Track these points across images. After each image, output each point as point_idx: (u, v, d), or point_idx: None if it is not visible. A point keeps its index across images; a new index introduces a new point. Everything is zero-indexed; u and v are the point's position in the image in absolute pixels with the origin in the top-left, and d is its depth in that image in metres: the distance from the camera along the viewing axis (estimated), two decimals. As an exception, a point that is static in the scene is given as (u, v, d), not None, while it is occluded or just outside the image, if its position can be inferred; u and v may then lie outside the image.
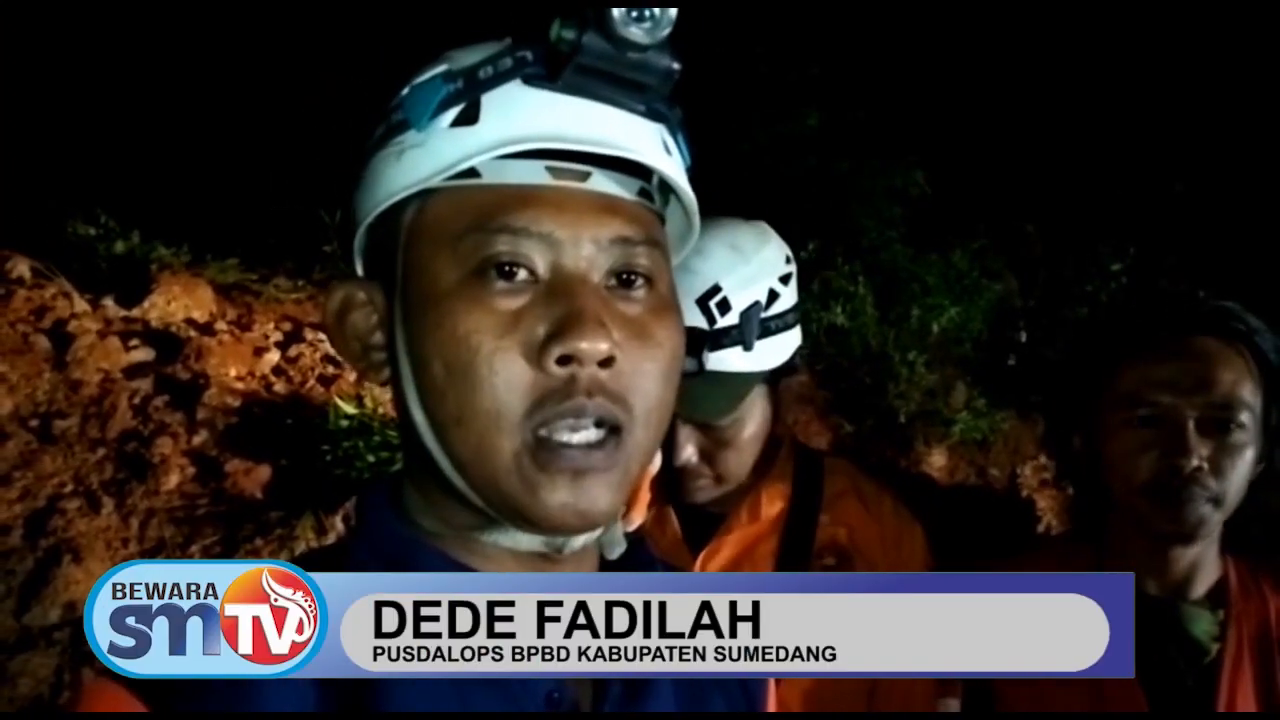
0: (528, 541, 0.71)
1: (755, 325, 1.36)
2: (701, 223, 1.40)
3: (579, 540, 0.72)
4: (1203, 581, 1.31)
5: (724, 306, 1.35)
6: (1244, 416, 1.23)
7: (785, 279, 1.43)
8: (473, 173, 0.67)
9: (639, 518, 0.83)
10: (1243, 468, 1.24)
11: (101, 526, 3.31)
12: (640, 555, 0.80)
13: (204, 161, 5.26)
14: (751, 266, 1.38)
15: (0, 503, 3.29)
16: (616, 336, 0.66)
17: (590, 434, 0.66)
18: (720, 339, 1.34)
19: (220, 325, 4.58)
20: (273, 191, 4.99)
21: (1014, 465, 5.87)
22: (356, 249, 0.77)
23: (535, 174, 0.67)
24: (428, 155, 0.68)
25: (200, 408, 3.89)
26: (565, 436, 0.66)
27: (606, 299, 0.68)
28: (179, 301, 4.58)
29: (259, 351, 4.44)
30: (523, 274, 0.67)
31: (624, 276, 0.70)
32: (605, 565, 0.79)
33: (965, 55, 6.71)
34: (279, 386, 4.29)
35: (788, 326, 1.42)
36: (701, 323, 1.33)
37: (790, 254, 1.47)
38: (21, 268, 4.37)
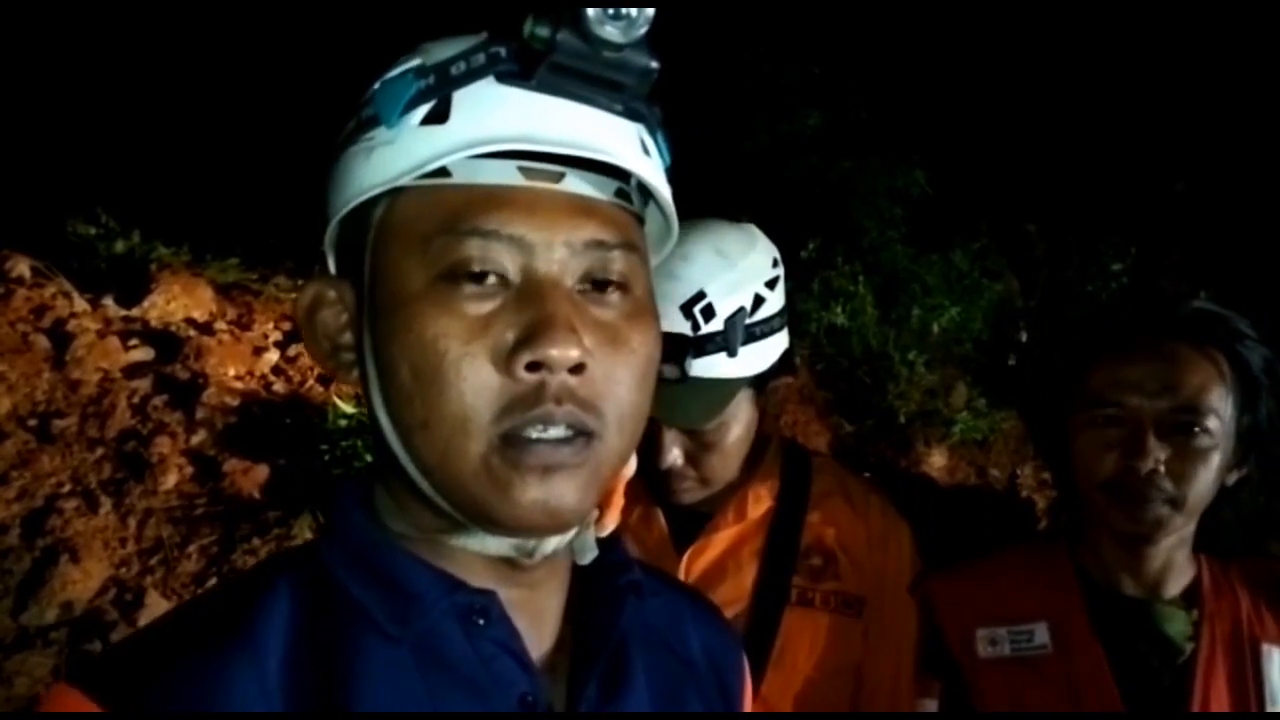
0: (496, 545, 0.70)
1: (740, 331, 1.34)
2: (687, 225, 1.39)
3: (550, 544, 0.71)
4: (1177, 581, 1.32)
5: (708, 313, 1.33)
6: (1209, 421, 1.23)
7: (771, 283, 1.40)
8: (444, 171, 0.65)
9: (612, 523, 0.82)
10: (1206, 472, 1.24)
11: (99, 526, 3.31)
12: (614, 557, 0.79)
13: (204, 161, 5.27)
14: (737, 272, 1.36)
15: (-2, 502, 3.30)
16: (588, 342, 0.65)
17: (560, 430, 0.65)
18: (704, 345, 1.32)
19: (219, 325, 4.59)
20: (272, 191, 4.99)
21: (1014, 465, 5.86)
22: (328, 245, 0.75)
23: (507, 174, 0.65)
24: (397, 153, 0.66)
25: (199, 407, 3.89)
26: (534, 433, 0.64)
27: (579, 303, 0.66)
28: (178, 301, 4.59)
29: (258, 351, 4.45)
30: (493, 277, 0.65)
31: (598, 280, 0.68)
32: (578, 570, 0.78)
33: (967, 55, 6.70)
34: (278, 386, 4.30)
35: (773, 331, 1.40)
36: (685, 329, 1.32)
37: (778, 257, 1.44)
38: (21, 267, 4.38)
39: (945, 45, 6.69)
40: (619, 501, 0.93)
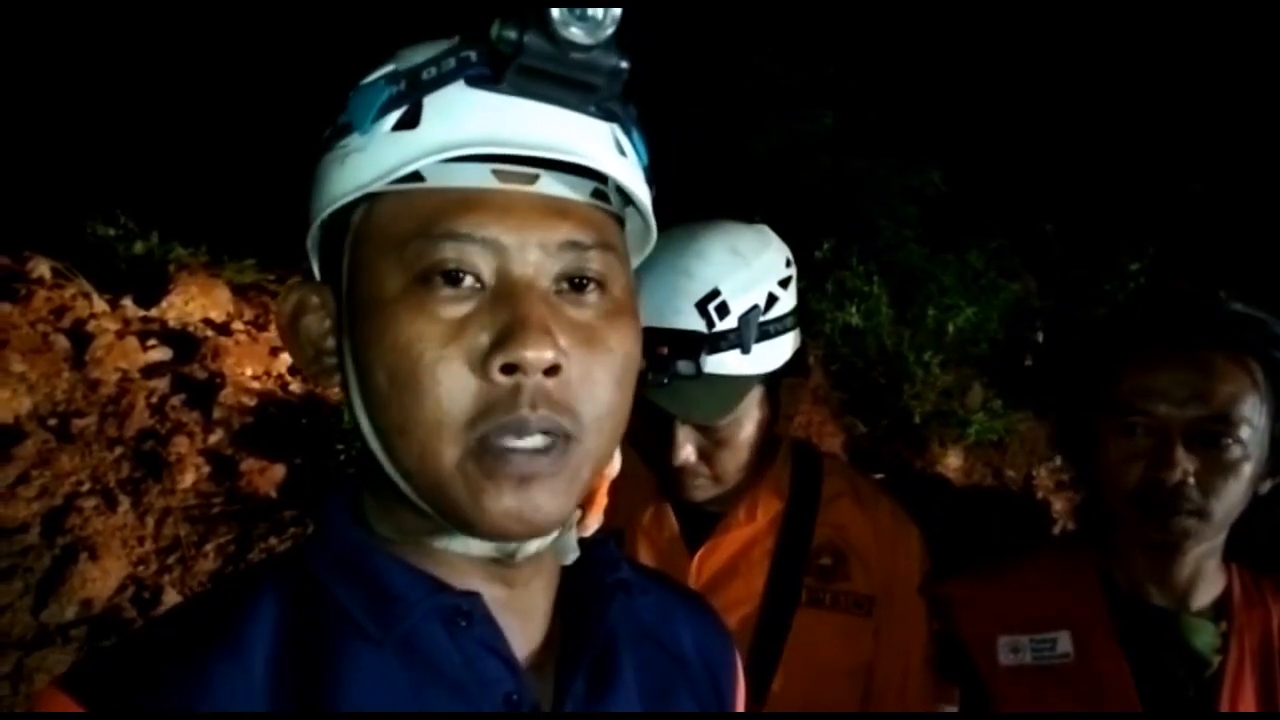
0: (479, 548, 0.70)
1: (754, 329, 1.35)
2: (703, 225, 1.41)
3: (531, 546, 0.71)
4: (1205, 592, 1.28)
5: (723, 310, 1.34)
6: (1241, 432, 1.19)
7: (784, 283, 1.41)
8: (418, 176, 0.65)
9: (594, 523, 0.83)
10: (1235, 484, 1.20)
11: (118, 525, 3.34)
12: (602, 555, 0.79)
13: (222, 162, 5.30)
14: (751, 270, 1.37)
15: (18, 501, 3.32)
16: (564, 343, 0.65)
17: (536, 440, 0.65)
18: (718, 342, 1.33)
19: (237, 325, 4.62)
20: (289, 193, 5.01)
21: (1030, 466, 5.83)
22: (310, 250, 0.76)
23: (481, 177, 0.65)
24: (370, 160, 0.66)
25: (216, 407, 3.92)
26: (510, 442, 0.64)
27: (555, 304, 0.66)
28: (196, 301, 4.62)
29: (275, 351, 4.47)
30: (468, 280, 0.65)
31: (575, 280, 0.68)
32: (567, 569, 0.78)
33: (981, 55, 6.68)
34: (294, 386, 4.32)
35: (786, 330, 1.41)
36: (700, 326, 1.33)
37: (790, 257, 1.46)
38: (42, 268, 4.41)
39: (960, 45, 6.67)
40: (602, 501, 0.93)
